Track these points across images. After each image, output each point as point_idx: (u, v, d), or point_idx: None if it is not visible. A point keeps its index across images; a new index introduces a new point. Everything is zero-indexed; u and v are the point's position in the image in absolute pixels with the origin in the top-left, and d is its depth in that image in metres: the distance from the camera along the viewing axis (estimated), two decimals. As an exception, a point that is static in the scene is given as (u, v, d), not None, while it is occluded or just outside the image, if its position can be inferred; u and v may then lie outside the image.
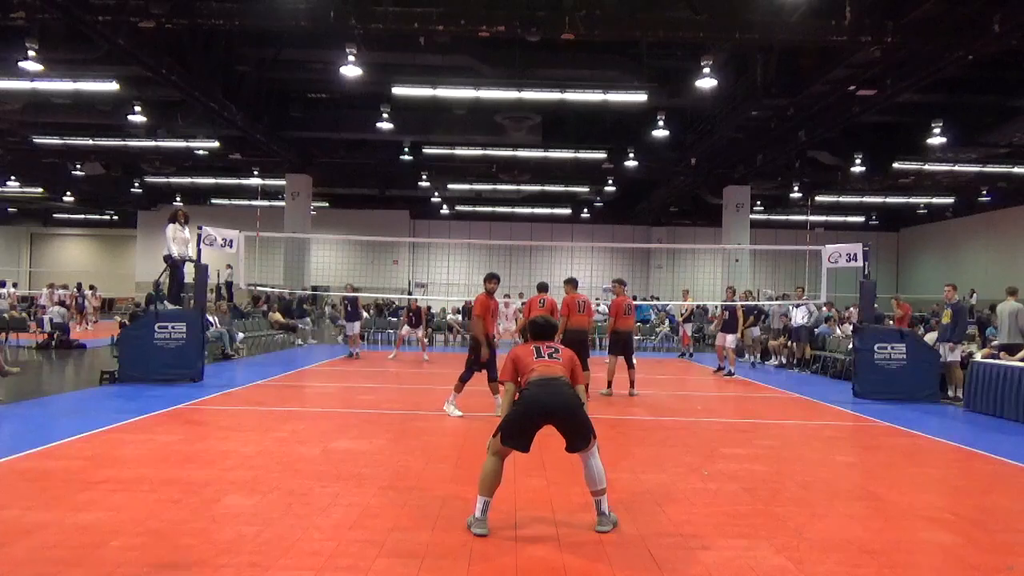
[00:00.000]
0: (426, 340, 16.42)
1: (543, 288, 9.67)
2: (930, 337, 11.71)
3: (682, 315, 18.56)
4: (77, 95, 17.15)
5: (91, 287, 25.34)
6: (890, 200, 29.18)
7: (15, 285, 27.55)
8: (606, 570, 3.64)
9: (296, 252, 24.09)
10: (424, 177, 25.74)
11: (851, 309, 16.14)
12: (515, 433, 4.12)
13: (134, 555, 3.64)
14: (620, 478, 5.48)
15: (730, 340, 13.27)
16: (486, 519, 4.10)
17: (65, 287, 23.09)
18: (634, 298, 30.09)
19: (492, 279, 8.31)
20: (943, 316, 11.73)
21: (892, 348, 10.46)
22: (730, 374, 13.06)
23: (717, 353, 13.87)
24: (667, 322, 20.97)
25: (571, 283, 10.00)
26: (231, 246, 11.39)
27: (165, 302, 11.36)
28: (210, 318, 13.07)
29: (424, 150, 22.54)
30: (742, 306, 14.17)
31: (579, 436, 4.17)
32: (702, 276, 28.37)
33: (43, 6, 11.30)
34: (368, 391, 10.39)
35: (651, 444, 6.98)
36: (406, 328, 15.95)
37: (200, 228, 10.83)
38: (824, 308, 14.86)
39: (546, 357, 4.39)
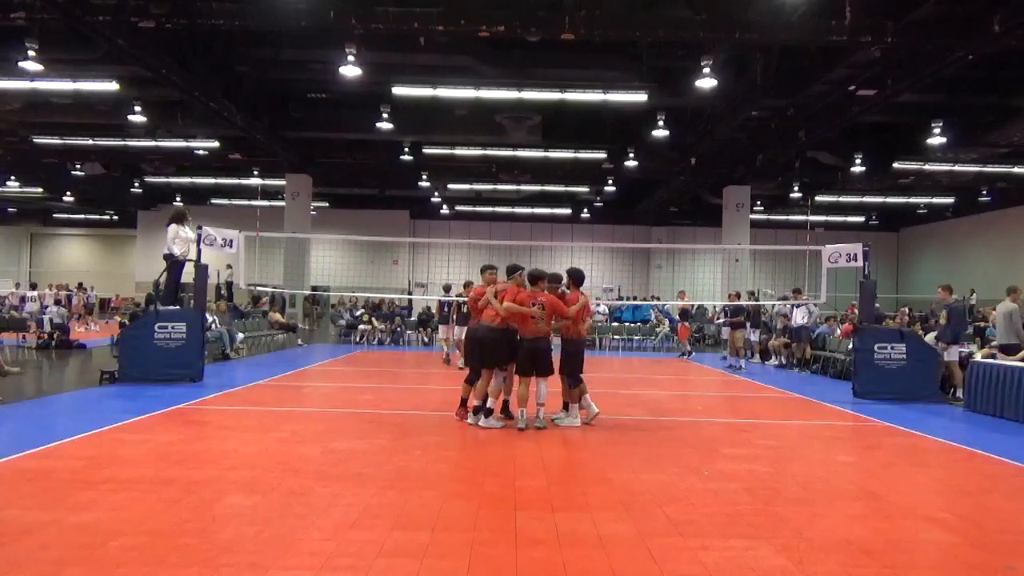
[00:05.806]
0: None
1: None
2: (930, 337, 11.72)
3: (679, 314, 18.86)
4: (77, 95, 17.09)
5: (81, 286, 25.29)
6: (890, 200, 29.10)
7: (17, 286, 27.55)
8: (606, 570, 3.64)
9: (296, 252, 24.07)
10: (424, 177, 25.69)
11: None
12: (526, 368, 7.39)
13: (134, 555, 3.64)
14: (620, 478, 5.48)
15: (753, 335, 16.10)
16: (525, 418, 7.17)
17: (67, 287, 23.06)
18: (633, 298, 30.05)
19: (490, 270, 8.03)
20: (940, 316, 11.73)
21: (892, 348, 10.44)
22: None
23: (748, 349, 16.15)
24: (666, 323, 20.96)
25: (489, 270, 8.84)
26: (231, 246, 11.38)
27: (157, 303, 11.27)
28: (209, 317, 13.04)
29: (424, 150, 22.48)
30: (753, 305, 16.10)
31: (544, 368, 7.37)
32: (702, 276, 28.36)
33: (43, 6, 11.27)
34: (368, 391, 10.39)
35: (651, 444, 6.97)
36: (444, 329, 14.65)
37: (200, 228, 10.82)
38: (816, 307, 15.06)
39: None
